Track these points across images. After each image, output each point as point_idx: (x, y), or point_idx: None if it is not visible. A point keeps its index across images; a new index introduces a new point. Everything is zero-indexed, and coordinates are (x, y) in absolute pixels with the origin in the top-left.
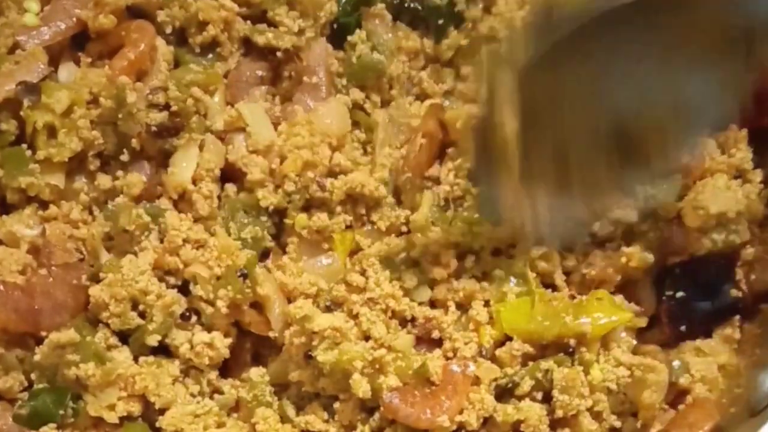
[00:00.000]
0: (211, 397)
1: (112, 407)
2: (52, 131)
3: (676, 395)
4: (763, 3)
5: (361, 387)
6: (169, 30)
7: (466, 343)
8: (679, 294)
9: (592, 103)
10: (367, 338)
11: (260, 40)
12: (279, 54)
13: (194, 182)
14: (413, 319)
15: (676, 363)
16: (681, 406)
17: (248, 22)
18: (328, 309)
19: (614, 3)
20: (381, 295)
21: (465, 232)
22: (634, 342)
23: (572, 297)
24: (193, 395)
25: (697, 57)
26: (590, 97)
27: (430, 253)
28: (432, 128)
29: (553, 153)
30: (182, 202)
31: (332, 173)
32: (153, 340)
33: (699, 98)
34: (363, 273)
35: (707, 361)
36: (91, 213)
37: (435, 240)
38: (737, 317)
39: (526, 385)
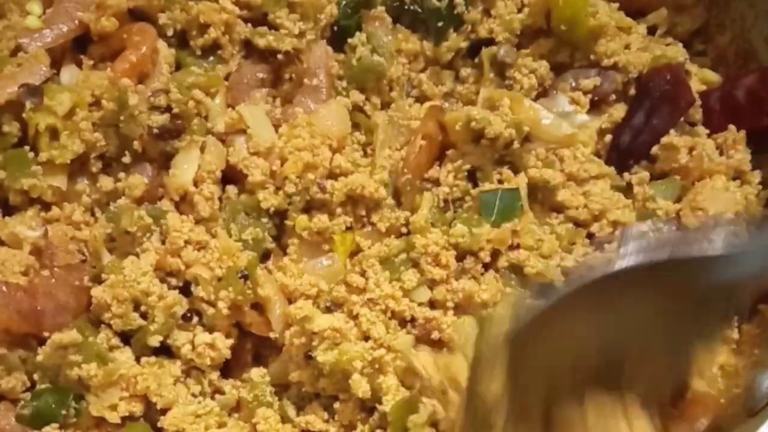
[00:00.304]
0: (213, 398)
1: (114, 407)
2: (54, 133)
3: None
4: (741, 268)
5: (361, 387)
6: (170, 32)
7: None
8: None
9: (583, 359)
10: (366, 338)
11: (261, 42)
12: (280, 56)
13: (195, 184)
14: (413, 320)
15: None
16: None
17: (249, 24)
18: (328, 309)
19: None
20: (381, 295)
21: (464, 234)
22: None
23: None
24: (194, 395)
25: (688, 312)
26: (582, 352)
27: (429, 254)
28: (431, 130)
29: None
30: (183, 203)
31: (332, 175)
32: (155, 341)
33: (686, 347)
34: (363, 274)
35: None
36: (93, 214)
37: (434, 241)
38: (736, 318)
39: None
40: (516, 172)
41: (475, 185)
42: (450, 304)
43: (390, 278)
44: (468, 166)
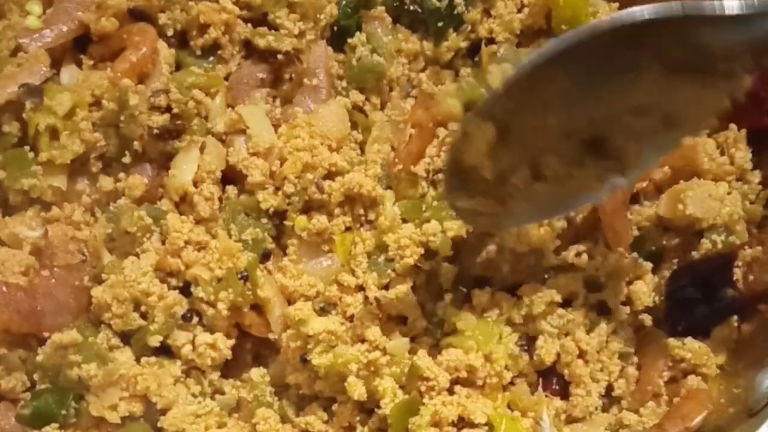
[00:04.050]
0: (212, 398)
1: (114, 407)
2: (54, 133)
3: (671, 388)
4: (739, 34)
5: (357, 390)
6: (170, 33)
7: None
8: (677, 294)
9: (578, 112)
10: (362, 340)
11: (261, 42)
12: (279, 56)
13: (195, 184)
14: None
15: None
16: (676, 399)
17: (249, 24)
18: (322, 310)
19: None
20: (371, 298)
21: (436, 233)
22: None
23: None
24: (194, 395)
25: (688, 75)
26: (578, 106)
27: (403, 248)
28: (421, 118)
29: (529, 158)
30: (183, 204)
31: (330, 174)
32: (155, 341)
33: (684, 110)
34: (353, 273)
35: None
36: (93, 215)
37: (407, 236)
38: (735, 317)
39: None
40: None
41: None
42: None
43: (378, 279)
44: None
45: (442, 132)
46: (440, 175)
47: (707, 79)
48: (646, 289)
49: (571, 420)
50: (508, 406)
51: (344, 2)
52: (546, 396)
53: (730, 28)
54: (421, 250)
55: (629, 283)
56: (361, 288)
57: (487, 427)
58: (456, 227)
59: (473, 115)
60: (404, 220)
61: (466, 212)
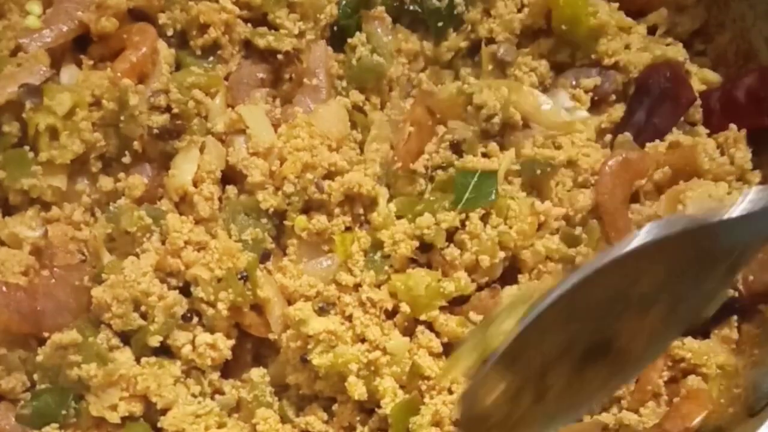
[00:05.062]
0: (212, 398)
1: (113, 407)
2: (54, 133)
3: (671, 388)
4: (740, 235)
5: (357, 389)
6: (170, 33)
7: None
8: None
9: (581, 330)
10: (362, 340)
11: (261, 42)
12: (279, 56)
13: (195, 184)
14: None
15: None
16: (676, 399)
17: (249, 24)
18: (321, 310)
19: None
20: (369, 296)
21: (430, 225)
22: None
23: None
24: (194, 396)
25: (690, 278)
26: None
27: (398, 243)
28: (420, 115)
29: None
30: (183, 204)
31: (330, 174)
32: (155, 341)
33: (685, 310)
34: (352, 272)
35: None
36: (93, 215)
37: (402, 231)
38: (735, 317)
39: None
40: (504, 149)
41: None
42: None
43: (375, 277)
44: (452, 137)
45: (441, 129)
46: (439, 171)
47: (708, 274)
48: None
49: None
50: None
51: (344, 2)
52: None
53: (734, 229)
54: (416, 243)
55: None
56: (359, 286)
57: None
58: (450, 218)
59: (487, 371)
60: (400, 217)
61: None
